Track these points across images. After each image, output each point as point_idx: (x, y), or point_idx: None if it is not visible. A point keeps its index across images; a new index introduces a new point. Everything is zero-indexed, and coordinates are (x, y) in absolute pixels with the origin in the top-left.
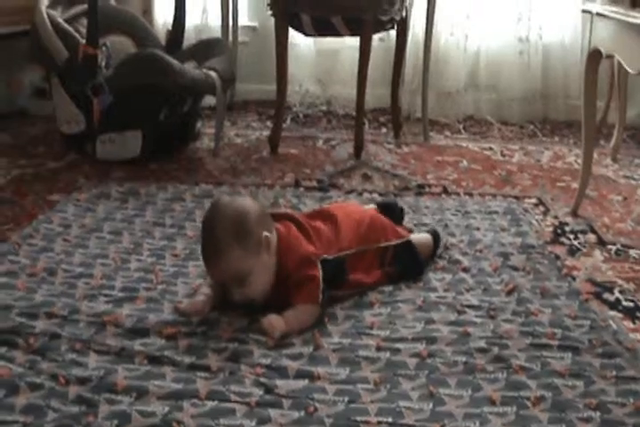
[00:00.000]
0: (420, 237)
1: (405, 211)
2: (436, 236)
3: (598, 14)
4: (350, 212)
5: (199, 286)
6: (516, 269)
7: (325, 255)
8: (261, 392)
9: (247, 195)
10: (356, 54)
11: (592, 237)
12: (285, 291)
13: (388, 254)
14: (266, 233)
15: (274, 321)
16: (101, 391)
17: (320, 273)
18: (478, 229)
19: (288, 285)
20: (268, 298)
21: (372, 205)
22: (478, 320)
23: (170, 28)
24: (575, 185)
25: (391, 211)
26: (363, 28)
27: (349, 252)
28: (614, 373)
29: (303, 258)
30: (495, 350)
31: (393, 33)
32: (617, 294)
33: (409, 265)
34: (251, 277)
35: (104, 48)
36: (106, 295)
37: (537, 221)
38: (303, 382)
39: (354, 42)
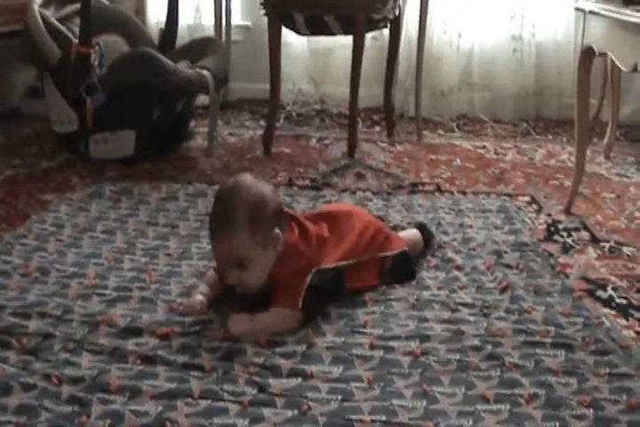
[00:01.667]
0: (410, 234)
1: (399, 209)
2: (423, 230)
3: (591, 12)
4: (356, 220)
5: (194, 285)
6: (509, 266)
7: (323, 265)
8: (255, 391)
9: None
10: (350, 53)
11: (585, 235)
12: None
13: (387, 265)
14: (277, 231)
15: (239, 319)
16: (95, 391)
17: (306, 282)
18: (472, 227)
19: (273, 286)
20: (258, 293)
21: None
22: (472, 318)
23: (163, 27)
24: (568, 183)
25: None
26: (356, 26)
27: (349, 262)
28: (607, 370)
29: (296, 270)
30: (489, 347)
31: (386, 31)
32: (610, 292)
33: (403, 273)
34: (250, 266)
35: (97, 47)
36: (99, 295)
37: (530, 218)
38: (296, 381)
39: (347, 41)
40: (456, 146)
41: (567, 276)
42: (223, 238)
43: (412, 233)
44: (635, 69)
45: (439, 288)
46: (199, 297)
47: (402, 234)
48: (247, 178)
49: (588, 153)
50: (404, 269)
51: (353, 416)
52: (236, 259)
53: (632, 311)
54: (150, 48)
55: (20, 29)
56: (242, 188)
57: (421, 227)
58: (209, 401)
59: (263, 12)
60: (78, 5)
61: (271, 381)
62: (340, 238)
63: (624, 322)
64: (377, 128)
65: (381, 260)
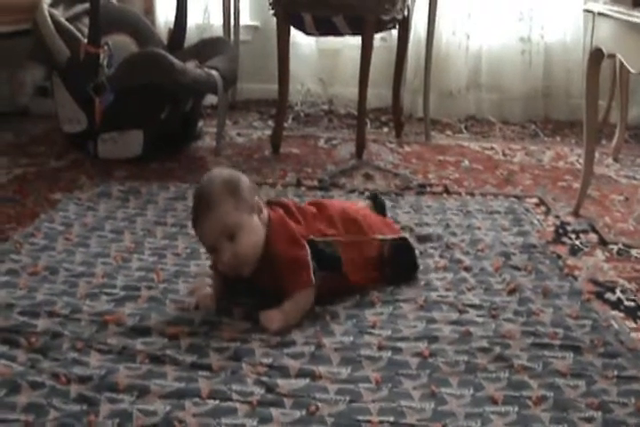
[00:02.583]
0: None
1: (407, 210)
2: (376, 200)
3: (600, 14)
4: (342, 203)
5: (198, 286)
6: (517, 268)
7: (313, 236)
8: (263, 391)
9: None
10: (358, 54)
11: (594, 237)
12: (274, 272)
13: (386, 252)
14: (257, 199)
15: (271, 315)
16: (103, 390)
17: (308, 253)
18: (480, 228)
19: (277, 266)
20: (259, 277)
21: (367, 201)
22: (480, 320)
23: (172, 27)
24: (577, 185)
25: (380, 206)
26: (364, 27)
27: (340, 238)
28: (616, 373)
29: (290, 238)
30: (497, 349)
31: (395, 32)
32: (618, 294)
33: (405, 261)
34: (240, 232)
35: (106, 47)
36: (107, 294)
37: (538, 220)
38: (305, 382)
39: (355, 41)
40: (464, 147)
41: (575, 278)
42: (208, 215)
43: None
44: None
45: (447, 289)
46: (208, 290)
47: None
48: (216, 168)
49: (597, 155)
50: (405, 257)
51: (361, 417)
52: (224, 229)
53: None
54: (159, 48)
55: (29, 29)
56: (213, 174)
57: (374, 197)
58: (217, 401)
59: (272, 12)
60: (87, 5)
61: (279, 381)
62: (328, 215)
63: (632, 324)
64: (385, 129)
65: (380, 245)
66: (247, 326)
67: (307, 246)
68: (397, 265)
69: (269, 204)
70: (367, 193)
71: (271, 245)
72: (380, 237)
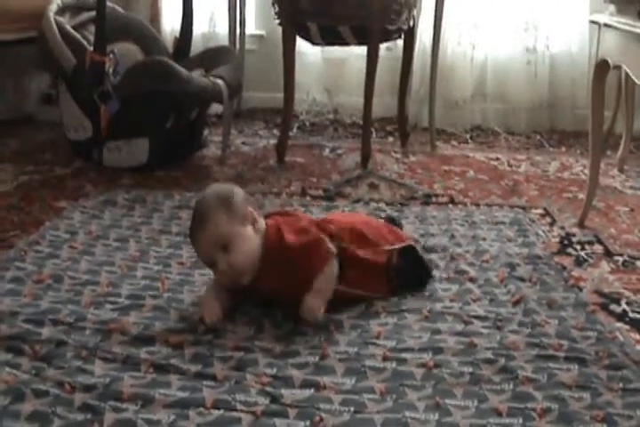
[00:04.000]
0: None
1: (412, 221)
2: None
3: (606, 25)
4: (351, 215)
5: (204, 294)
6: (522, 279)
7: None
8: (267, 401)
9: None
10: (364, 63)
11: (599, 248)
12: (286, 273)
13: (393, 260)
14: (251, 209)
15: (310, 304)
16: (107, 399)
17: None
18: (485, 239)
19: (293, 256)
20: (266, 282)
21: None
22: (485, 331)
23: (177, 35)
24: (582, 196)
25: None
26: (370, 37)
27: (345, 245)
28: (621, 385)
29: (296, 227)
30: (501, 361)
31: (400, 42)
32: (624, 306)
33: (415, 271)
34: (233, 242)
35: (112, 55)
36: (112, 303)
37: (543, 231)
38: (309, 392)
39: (361, 51)
40: (469, 157)
41: (580, 289)
42: (201, 228)
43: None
44: None
45: (452, 300)
46: (216, 306)
47: None
48: (212, 185)
49: (602, 166)
50: (413, 266)
51: None
52: (217, 240)
53: None
54: (165, 56)
55: (35, 36)
56: (208, 190)
57: (391, 220)
58: (221, 411)
59: (277, 21)
60: (93, 13)
61: (283, 391)
62: (333, 221)
63: (637, 336)
64: (390, 138)
65: (389, 253)
66: (250, 333)
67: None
68: (405, 275)
69: (269, 215)
70: (383, 215)
71: (279, 242)
72: (388, 248)
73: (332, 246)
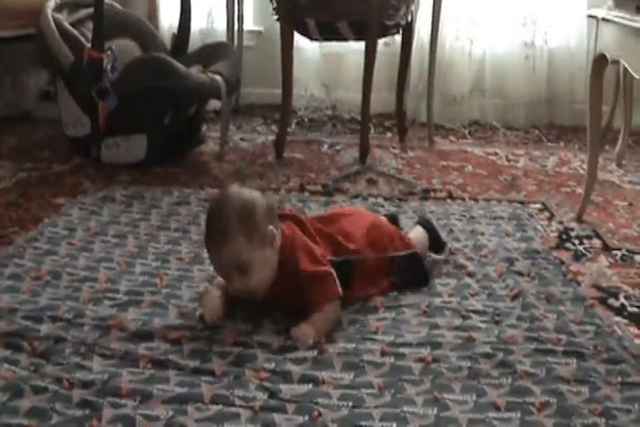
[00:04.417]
0: (416, 234)
1: (410, 216)
2: (428, 226)
3: (604, 19)
4: (359, 218)
5: (205, 291)
6: (520, 274)
7: (331, 257)
8: (265, 397)
9: (256, 189)
10: (362, 59)
11: (597, 243)
12: (294, 288)
13: (395, 264)
14: (271, 227)
15: (303, 331)
16: (105, 395)
17: (331, 268)
18: (483, 234)
19: (302, 282)
20: (275, 295)
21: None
22: (483, 325)
23: (175, 31)
24: (580, 190)
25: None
26: (368, 32)
27: (356, 257)
28: (619, 379)
29: (313, 255)
30: (500, 355)
31: (398, 37)
32: (622, 300)
33: (415, 276)
34: (252, 268)
35: (110, 52)
36: (110, 299)
37: (542, 226)
38: (307, 387)
39: (359, 46)
40: (468, 152)
41: (579, 283)
42: (219, 251)
43: (418, 231)
44: None
45: (450, 295)
46: (216, 301)
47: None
48: (233, 187)
49: (600, 160)
50: (415, 271)
51: (363, 423)
52: (235, 265)
53: None
54: (162, 53)
55: (33, 33)
56: (228, 198)
57: (426, 224)
58: (220, 406)
59: (275, 17)
60: (91, 10)
61: (282, 386)
62: (345, 234)
63: (636, 331)
64: (389, 134)
65: (389, 259)
66: (248, 328)
67: (328, 264)
68: (406, 276)
69: (283, 218)
70: (385, 212)
71: (290, 261)
72: (392, 254)
73: (339, 290)
